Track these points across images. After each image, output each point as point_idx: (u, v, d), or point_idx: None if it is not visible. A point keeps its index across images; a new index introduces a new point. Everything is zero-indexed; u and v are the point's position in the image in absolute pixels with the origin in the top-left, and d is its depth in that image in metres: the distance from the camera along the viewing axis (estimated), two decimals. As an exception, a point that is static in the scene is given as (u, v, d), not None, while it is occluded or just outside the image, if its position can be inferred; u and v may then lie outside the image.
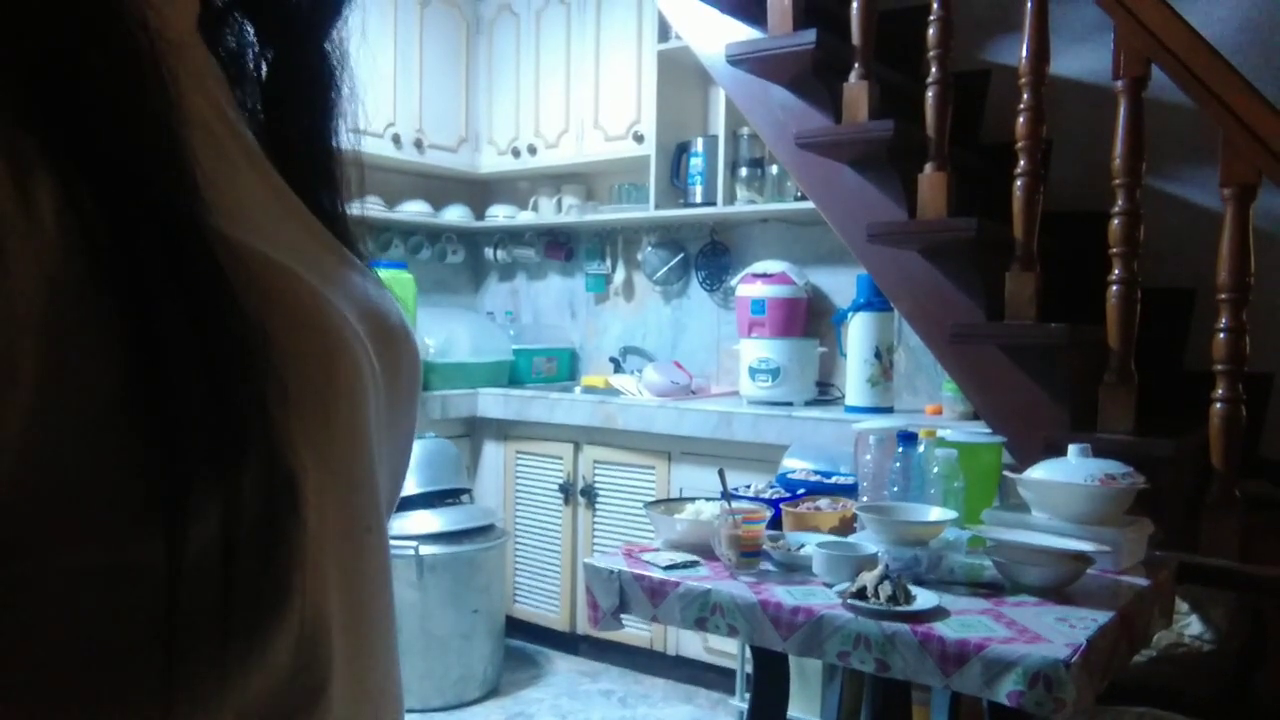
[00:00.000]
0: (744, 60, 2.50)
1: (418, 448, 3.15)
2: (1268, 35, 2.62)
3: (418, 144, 3.78)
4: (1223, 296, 2.02)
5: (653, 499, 3.06)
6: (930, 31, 2.28)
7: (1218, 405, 2.02)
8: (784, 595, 1.57)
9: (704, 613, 1.61)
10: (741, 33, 2.58)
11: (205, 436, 0.31)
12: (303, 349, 0.36)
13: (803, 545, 1.76)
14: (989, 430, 2.18)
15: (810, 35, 2.36)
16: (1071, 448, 1.84)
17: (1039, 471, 1.83)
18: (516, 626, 3.50)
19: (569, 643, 3.47)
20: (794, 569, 1.71)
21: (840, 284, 3.33)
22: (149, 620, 0.31)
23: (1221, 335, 2.01)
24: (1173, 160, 2.62)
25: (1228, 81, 1.97)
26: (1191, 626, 2.04)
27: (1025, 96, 2.17)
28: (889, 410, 2.91)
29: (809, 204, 2.86)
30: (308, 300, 0.38)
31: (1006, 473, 1.95)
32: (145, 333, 0.30)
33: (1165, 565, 1.86)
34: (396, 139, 3.70)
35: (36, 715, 0.31)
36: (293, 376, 0.35)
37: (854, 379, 2.94)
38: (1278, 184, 1.95)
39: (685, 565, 1.72)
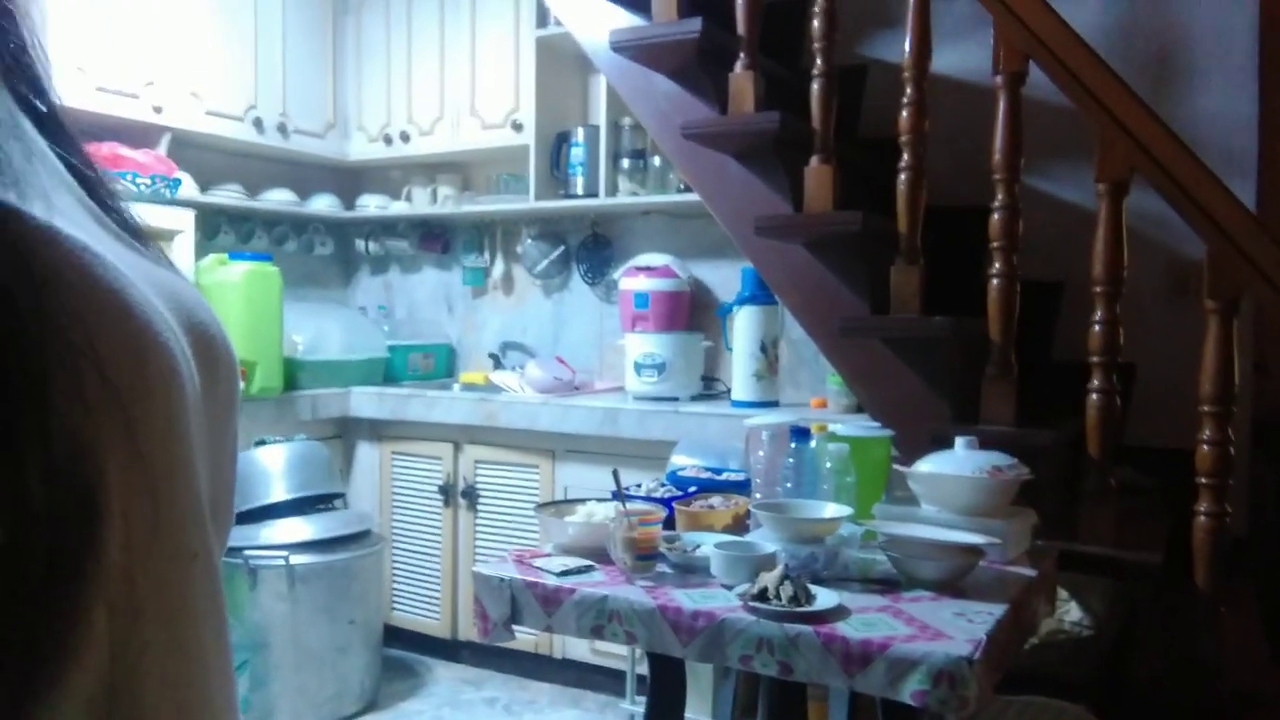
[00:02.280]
0: (627, 48, 2.44)
1: (286, 450, 2.98)
2: (1131, 38, 2.72)
3: (281, 128, 3.58)
4: (1097, 289, 2.07)
5: (537, 499, 2.98)
6: (815, 23, 2.27)
7: (1094, 396, 2.07)
8: (683, 599, 1.52)
9: (601, 620, 1.54)
10: (625, 20, 2.52)
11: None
12: (105, 339, 0.31)
13: (699, 545, 1.71)
14: (876, 423, 2.19)
15: (695, 24, 2.31)
16: (959, 440, 1.85)
17: (928, 464, 1.84)
18: (395, 635, 3.36)
19: (451, 650, 3.36)
20: (691, 571, 1.66)
21: (724, 277, 3.32)
22: None
23: (1096, 328, 2.06)
24: (1040, 157, 2.69)
25: (1104, 79, 2.01)
26: (1071, 613, 2.09)
27: (909, 91, 2.18)
28: (774, 404, 2.91)
29: (692, 196, 2.83)
30: (107, 282, 0.32)
31: (895, 466, 1.95)
32: None
33: (1048, 554, 1.89)
34: (258, 122, 3.49)
35: None
36: (89, 369, 0.30)
37: (740, 373, 2.92)
38: (1149, 180, 2.01)
39: (579, 571, 1.65)
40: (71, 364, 0.29)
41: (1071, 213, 2.73)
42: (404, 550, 3.41)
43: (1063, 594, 2.08)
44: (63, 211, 0.35)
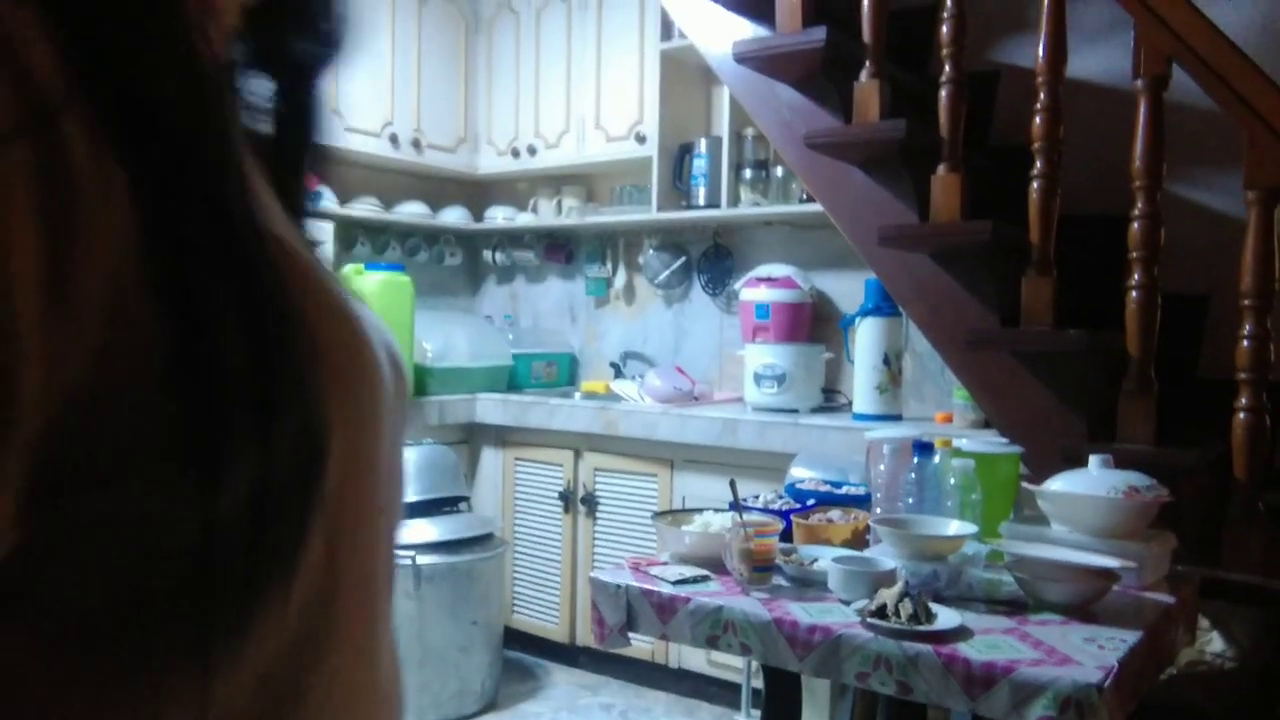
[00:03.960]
0: (751, 58, 2.44)
1: (414, 454, 3.09)
2: (1285, 36, 2.57)
3: (415, 144, 3.72)
4: (1246, 303, 1.96)
5: (655, 508, 3.00)
6: (944, 29, 2.22)
7: (1241, 415, 1.96)
8: (799, 613, 1.50)
9: (716, 630, 1.54)
10: (748, 31, 2.52)
11: (244, 390, 0.34)
12: (332, 332, 0.40)
13: (816, 559, 1.70)
14: (1004, 439, 2.12)
15: (820, 33, 2.30)
16: (1092, 459, 1.78)
17: (1059, 483, 1.78)
18: (515, 638, 3.43)
19: (569, 655, 3.40)
20: (808, 584, 1.64)
21: (846, 288, 3.27)
22: (179, 571, 0.33)
23: (1245, 343, 1.96)
24: (1182, 163, 2.56)
25: (1253, 82, 1.91)
26: (1213, 643, 1.98)
27: (1042, 96, 2.11)
28: (897, 418, 2.85)
29: (814, 206, 2.80)
30: (335, 292, 0.42)
31: (1024, 484, 1.89)
32: (197, 299, 0.34)
33: (1188, 581, 1.80)
34: (394, 138, 3.63)
35: (76, 665, 0.32)
36: (324, 354, 0.38)
37: (862, 386, 2.88)
38: (1304, 187, 1.89)
39: (695, 580, 1.66)
40: (312, 347, 0.38)
41: (1218, 222, 2.59)
42: (525, 554, 3.48)
43: (1204, 623, 1.97)
44: (277, 218, 0.43)
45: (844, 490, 2.13)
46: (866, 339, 2.87)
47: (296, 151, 0.53)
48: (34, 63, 0.31)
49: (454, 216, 4.01)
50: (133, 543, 0.33)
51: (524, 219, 3.98)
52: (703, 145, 3.39)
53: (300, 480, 0.36)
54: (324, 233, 3.11)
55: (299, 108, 0.54)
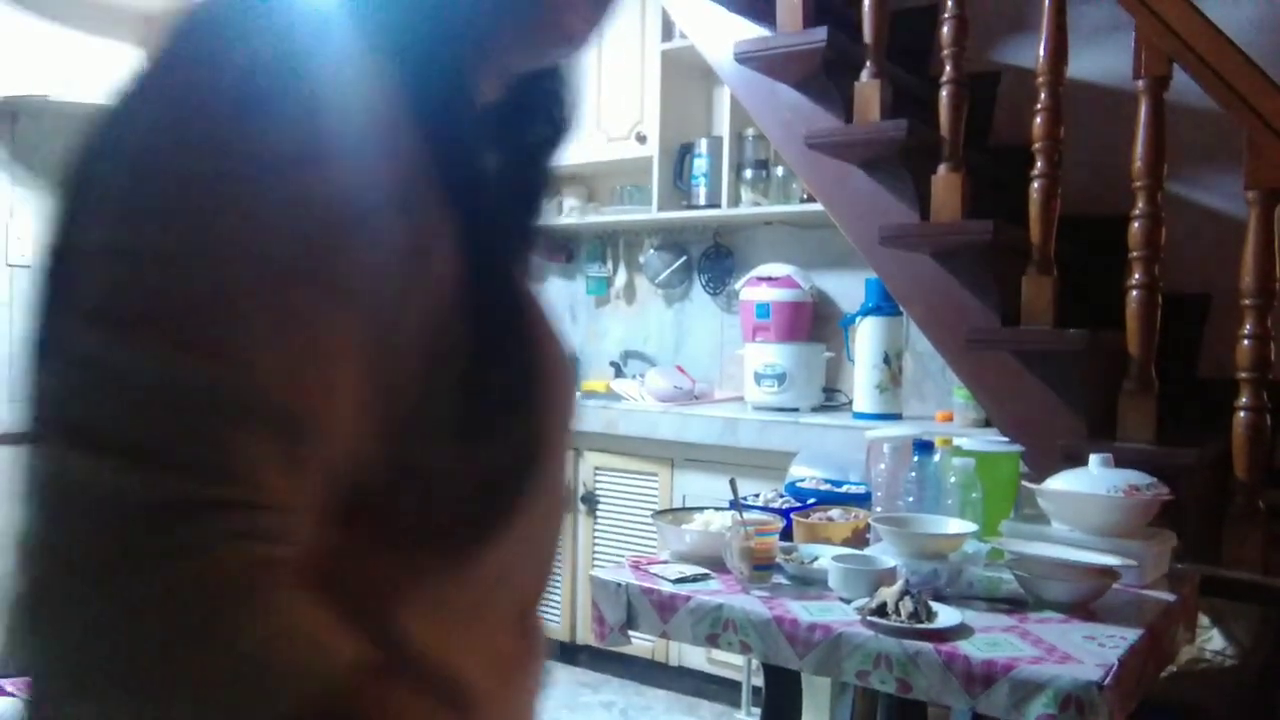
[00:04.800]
0: (752, 59, 2.44)
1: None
2: (1285, 36, 2.57)
3: (416, 144, 3.71)
4: (1246, 302, 1.97)
5: (655, 507, 3.00)
6: (944, 29, 2.23)
7: (1241, 414, 1.97)
8: (800, 611, 1.51)
9: (716, 629, 1.55)
10: (748, 31, 2.52)
11: (508, 393, 0.53)
12: (553, 358, 0.61)
13: (816, 558, 1.70)
14: (1004, 438, 2.13)
15: (821, 33, 2.30)
16: (1093, 457, 1.78)
17: (1060, 482, 1.78)
18: (515, 635, 3.42)
19: (569, 653, 3.40)
20: (809, 583, 1.65)
21: (846, 288, 3.28)
22: (458, 499, 0.52)
23: (1246, 342, 1.96)
24: (1183, 163, 2.56)
25: (1254, 82, 1.91)
26: (1213, 641, 1.98)
27: (1043, 97, 2.12)
28: (897, 417, 2.86)
29: (815, 206, 2.80)
30: (553, 325, 0.63)
31: (1024, 483, 1.89)
32: (489, 330, 0.52)
33: (1189, 579, 1.80)
34: (395, 139, 3.63)
35: (414, 556, 0.52)
36: (548, 373, 0.58)
37: (862, 385, 2.88)
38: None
39: (695, 578, 1.66)
40: (542, 377, 0.57)
41: (1218, 221, 2.59)
42: (525, 553, 3.48)
43: (1204, 621, 1.97)
44: None
45: (844, 489, 2.13)
46: (867, 338, 2.87)
47: (529, 223, 0.70)
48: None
49: (455, 216, 4.00)
50: (434, 480, 0.51)
51: (525, 218, 3.98)
52: (703, 145, 3.39)
53: (529, 453, 0.55)
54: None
55: (530, 186, 0.70)
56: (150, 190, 0.44)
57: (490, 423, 0.51)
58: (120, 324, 0.42)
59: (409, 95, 0.51)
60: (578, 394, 0.67)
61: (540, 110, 0.68)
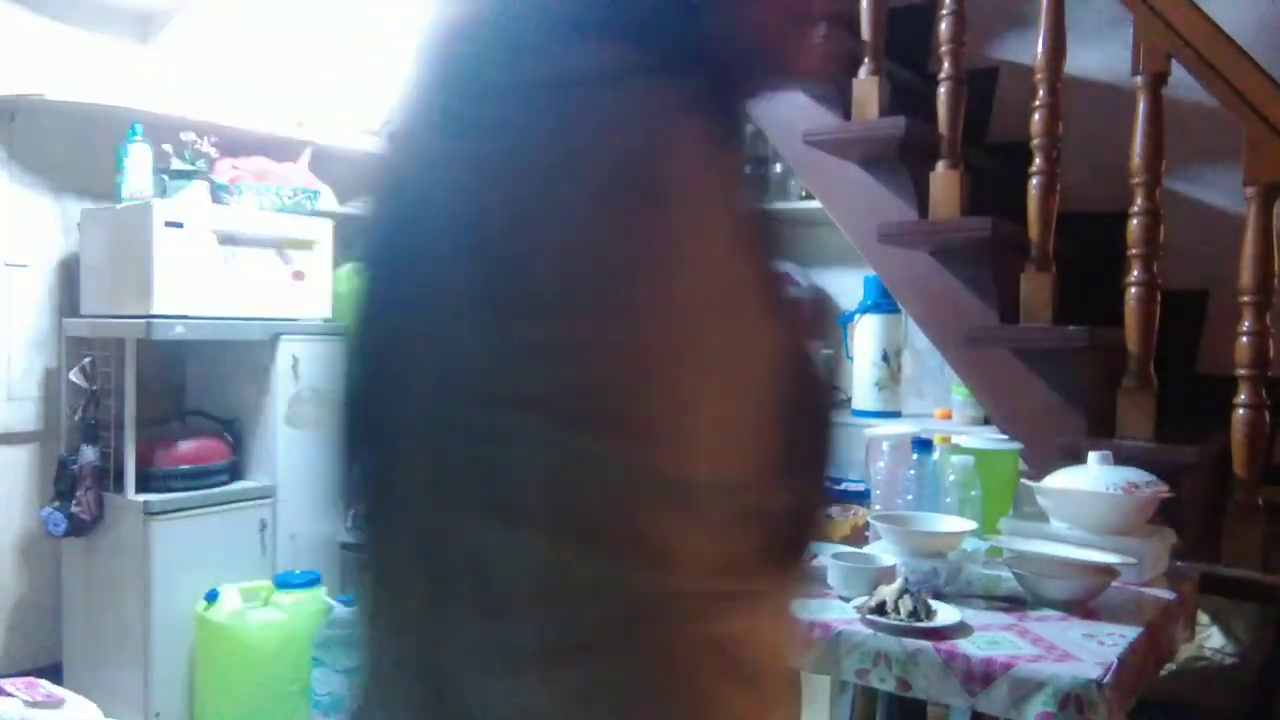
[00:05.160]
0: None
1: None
2: (1284, 32, 2.57)
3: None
4: (1245, 299, 1.96)
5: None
6: (942, 26, 2.22)
7: (1240, 411, 1.96)
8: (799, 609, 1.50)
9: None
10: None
11: (815, 448, 0.62)
12: (829, 409, 0.82)
13: (815, 555, 1.70)
14: (1003, 436, 2.13)
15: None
16: (1092, 455, 1.78)
17: (1059, 479, 1.78)
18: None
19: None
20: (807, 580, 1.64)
21: (845, 285, 3.27)
22: (766, 538, 0.55)
23: (1244, 339, 1.95)
24: (1182, 160, 2.56)
25: (1253, 79, 1.91)
26: (1213, 639, 1.98)
27: (1041, 93, 2.11)
28: (896, 414, 2.85)
29: (813, 204, 2.80)
30: (823, 376, 0.79)
31: (1023, 480, 1.89)
32: (803, 395, 0.59)
33: (1188, 577, 1.80)
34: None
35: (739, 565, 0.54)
36: (824, 441, 0.66)
37: (861, 382, 2.88)
38: (1303, 183, 1.89)
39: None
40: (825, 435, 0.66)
41: (1217, 218, 2.59)
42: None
43: (1204, 619, 1.97)
44: None
45: (842, 486, 2.13)
46: (865, 336, 2.87)
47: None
48: None
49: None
50: (747, 513, 0.54)
51: (523, 216, 3.97)
52: (702, 142, 3.38)
53: (821, 490, 0.65)
54: (323, 231, 3.11)
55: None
56: (582, 290, 0.48)
57: (805, 466, 0.59)
58: (566, 416, 0.47)
59: (727, 155, 0.56)
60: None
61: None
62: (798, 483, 0.57)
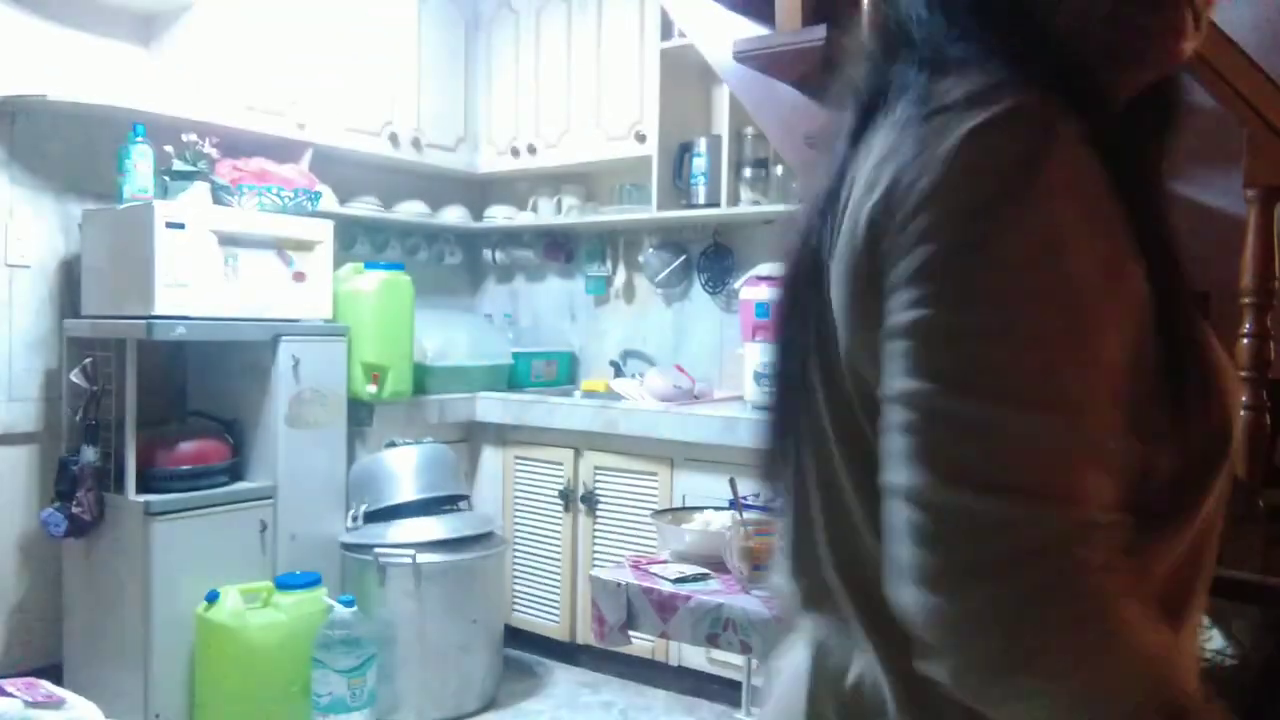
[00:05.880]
0: (750, 57, 2.44)
1: (415, 453, 3.09)
2: (1285, 34, 2.57)
3: (415, 143, 3.72)
4: (1245, 301, 1.96)
5: (655, 506, 3.00)
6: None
7: (1241, 413, 1.96)
8: (799, 611, 1.50)
9: (716, 628, 1.55)
10: (748, 30, 2.52)
11: (1195, 400, 0.64)
12: (1227, 376, 0.69)
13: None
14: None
15: (820, 31, 2.30)
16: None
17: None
18: (515, 636, 3.43)
19: (569, 653, 3.41)
20: (808, 582, 1.64)
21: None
22: (1157, 496, 0.62)
23: (1245, 341, 1.95)
24: (1182, 161, 2.56)
25: (1253, 80, 1.91)
26: (1213, 641, 1.98)
27: (1041, 95, 2.11)
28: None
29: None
30: (1217, 348, 0.71)
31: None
32: (1179, 344, 0.64)
33: (1188, 578, 1.80)
34: (394, 138, 3.63)
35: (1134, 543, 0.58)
36: (1224, 391, 0.69)
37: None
38: (1304, 185, 1.89)
39: (695, 578, 1.66)
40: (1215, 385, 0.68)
41: (1217, 220, 2.59)
42: (525, 553, 3.49)
43: (1204, 620, 1.97)
44: None
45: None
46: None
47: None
48: None
49: (454, 215, 4.01)
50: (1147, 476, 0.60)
51: (524, 218, 3.99)
52: (702, 144, 3.39)
53: (1216, 451, 0.66)
54: (324, 231, 3.11)
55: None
56: (996, 279, 0.57)
57: (1182, 424, 0.62)
58: (988, 394, 0.55)
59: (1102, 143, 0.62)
60: (1241, 396, 0.71)
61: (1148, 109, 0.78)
62: (1178, 445, 0.62)
